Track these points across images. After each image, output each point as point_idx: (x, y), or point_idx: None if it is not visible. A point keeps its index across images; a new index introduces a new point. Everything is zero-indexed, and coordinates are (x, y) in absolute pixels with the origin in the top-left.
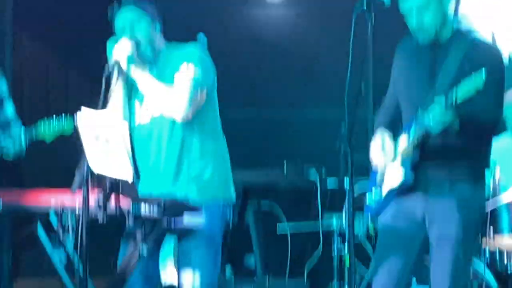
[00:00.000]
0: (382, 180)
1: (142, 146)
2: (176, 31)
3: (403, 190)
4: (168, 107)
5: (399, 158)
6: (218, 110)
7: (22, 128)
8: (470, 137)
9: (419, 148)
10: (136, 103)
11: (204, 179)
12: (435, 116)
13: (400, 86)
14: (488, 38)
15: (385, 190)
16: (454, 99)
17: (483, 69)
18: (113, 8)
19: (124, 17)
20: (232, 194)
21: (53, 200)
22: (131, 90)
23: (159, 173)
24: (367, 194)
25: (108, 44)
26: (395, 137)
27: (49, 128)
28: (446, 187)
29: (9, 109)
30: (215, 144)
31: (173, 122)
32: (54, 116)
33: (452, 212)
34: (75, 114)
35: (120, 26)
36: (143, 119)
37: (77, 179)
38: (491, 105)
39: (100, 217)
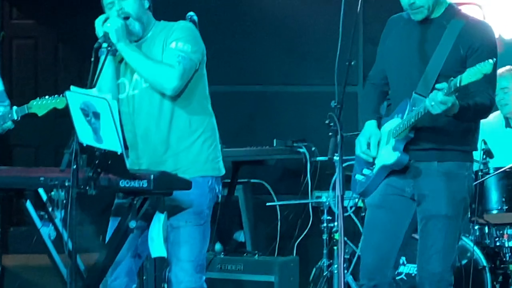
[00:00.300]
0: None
1: (130, 118)
2: (166, 12)
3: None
4: (157, 82)
5: (391, 141)
6: (207, 86)
7: (13, 108)
8: (463, 118)
9: (413, 131)
10: (126, 77)
11: (193, 153)
12: (438, 103)
13: (390, 62)
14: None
15: (377, 167)
16: (458, 85)
17: (493, 59)
18: None
19: None
20: (221, 168)
21: (42, 177)
22: (120, 65)
23: (148, 146)
24: (356, 170)
25: (97, 22)
26: (383, 116)
27: (42, 103)
28: (435, 165)
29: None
30: (204, 120)
31: (162, 96)
32: (46, 95)
33: (441, 190)
34: (65, 92)
35: (109, 1)
36: (132, 92)
37: (66, 157)
38: (485, 86)
39: (90, 191)
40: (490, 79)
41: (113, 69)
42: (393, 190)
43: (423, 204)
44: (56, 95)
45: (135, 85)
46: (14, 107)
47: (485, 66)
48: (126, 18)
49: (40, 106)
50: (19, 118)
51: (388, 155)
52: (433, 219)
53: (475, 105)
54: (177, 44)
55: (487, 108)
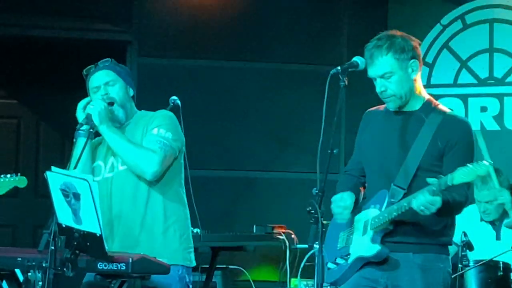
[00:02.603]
0: (345, 247)
1: (106, 200)
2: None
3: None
4: (138, 165)
5: (369, 232)
6: (183, 175)
7: None
8: (440, 213)
9: (392, 224)
10: (102, 160)
11: (166, 240)
12: (424, 202)
13: (368, 153)
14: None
15: (352, 257)
16: (449, 184)
17: (490, 162)
18: (89, 69)
19: (99, 78)
20: (192, 259)
21: (20, 257)
22: (97, 148)
23: (123, 228)
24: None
25: (79, 105)
26: (357, 207)
27: (1, 182)
28: (410, 256)
29: None
30: (178, 208)
31: (138, 178)
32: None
33: (416, 281)
34: (45, 172)
35: (95, 85)
36: (107, 174)
37: (44, 237)
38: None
39: (67, 272)
40: None
41: (89, 152)
42: (366, 282)
43: None
44: (17, 173)
45: (111, 168)
46: None
47: (480, 168)
48: (111, 104)
49: (1, 184)
50: None
51: (365, 247)
52: None
53: (453, 201)
54: (159, 131)
55: (463, 205)
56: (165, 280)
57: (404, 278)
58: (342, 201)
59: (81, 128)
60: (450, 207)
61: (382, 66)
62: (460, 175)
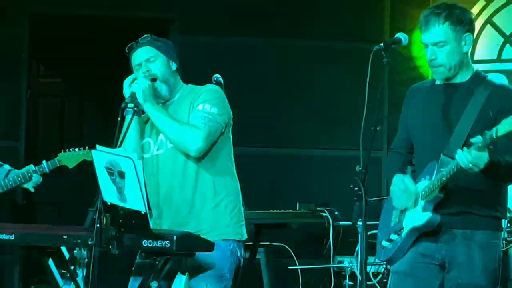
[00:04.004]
0: (398, 223)
1: (154, 178)
2: (192, 73)
3: (423, 233)
4: (182, 142)
5: (420, 203)
6: (232, 150)
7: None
8: (491, 182)
9: (443, 191)
10: (151, 137)
11: (216, 216)
12: (471, 158)
13: (415, 128)
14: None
15: (405, 230)
16: (494, 137)
17: None
18: (131, 46)
19: (140, 55)
20: (244, 233)
21: (65, 235)
22: (146, 125)
23: (171, 207)
24: (381, 237)
25: (125, 82)
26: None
27: (71, 156)
28: (469, 234)
29: None
30: (228, 183)
31: (187, 157)
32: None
33: (474, 259)
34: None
35: (137, 63)
36: (156, 152)
37: (89, 215)
38: None
39: (112, 250)
40: None
41: (138, 129)
42: (421, 258)
43: (454, 271)
44: (84, 148)
45: (160, 145)
46: (44, 161)
47: None
48: (153, 80)
49: (70, 158)
50: (48, 171)
51: (417, 217)
52: None
53: (506, 163)
54: (204, 106)
55: None
56: (217, 254)
57: (461, 255)
58: (402, 184)
59: (128, 106)
60: (502, 169)
61: (437, 34)
62: (504, 125)
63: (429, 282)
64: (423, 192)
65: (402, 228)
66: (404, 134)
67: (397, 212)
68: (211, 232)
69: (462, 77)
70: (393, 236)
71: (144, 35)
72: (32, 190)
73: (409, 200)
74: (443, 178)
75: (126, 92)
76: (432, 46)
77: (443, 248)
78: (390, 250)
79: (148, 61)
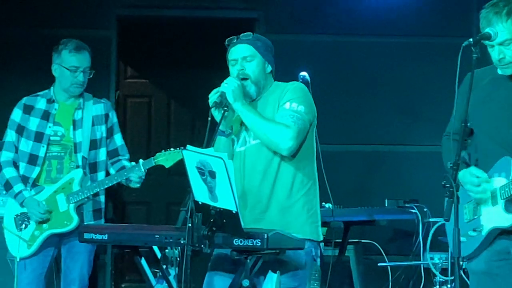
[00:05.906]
0: (475, 219)
1: (239, 174)
2: (279, 70)
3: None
4: (273, 141)
5: (500, 202)
6: (315, 148)
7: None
8: None
9: None
10: (236, 134)
11: (293, 214)
12: None
13: (480, 118)
14: None
15: (486, 229)
16: None
17: None
18: (231, 40)
19: (238, 52)
20: (320, 234)
21: (157, 234)
22: (235, 124)
23: (250, 202)
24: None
25: (210, 95)
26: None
27: (168, 156)
28: None
29: (118, 140)
30: (308, 183)
31: (273, 154)
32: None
33: None
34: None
35: (233, 58)
36: (239, 149)
37: (181, 214)
38: None
39: (205, 249)
40: None
41: (229, 126)
42: (498, 256)
43: None
44: (181, 148)
45: (243, 141)
46: (141, 160)
47: None
48: (244, 79)
49: (167, 158)
50: (145, 171)
51: (500, 217)
52: None
53: None
54: (291, 105)
55: None
56: (292, 253)
57: None
58: (473, 177)
59: (217, 106)
60: None
61: (501, 33)
62: None
63: (508, 280)
64: (502, 192)
65: (481, 226)
66: (462, 117)
67: (470, 206)
68: (287, 230)
69: None
70: (472, 233)
71: (247, 33)
72: (138, 186)
73: (484, 193)
74: None
75: (212, 99)
76: (498, 46)
77: None
78: (469, 246)
79: (245, 60)
